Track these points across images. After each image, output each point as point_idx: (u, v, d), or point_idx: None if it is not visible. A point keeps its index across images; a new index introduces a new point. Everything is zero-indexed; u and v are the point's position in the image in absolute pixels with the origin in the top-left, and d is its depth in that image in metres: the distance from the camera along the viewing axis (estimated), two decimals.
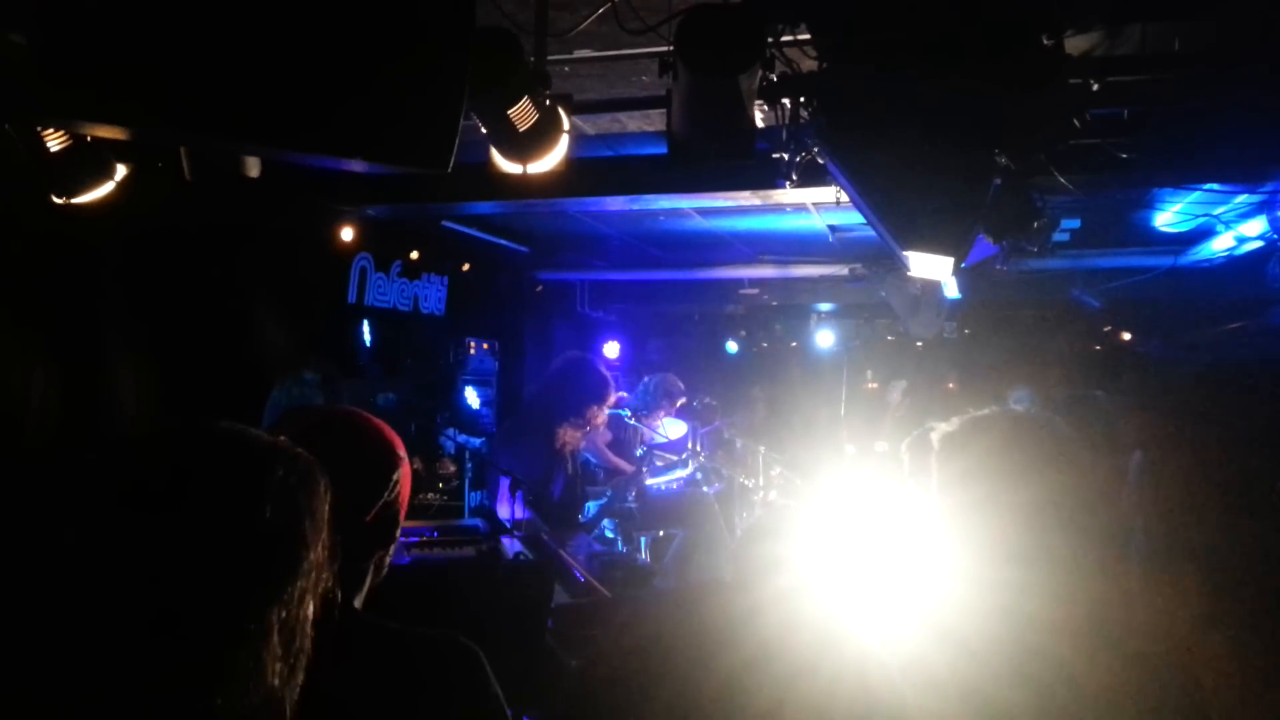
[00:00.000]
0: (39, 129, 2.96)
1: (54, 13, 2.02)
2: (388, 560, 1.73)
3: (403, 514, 1.74)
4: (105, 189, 3.18)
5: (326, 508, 1.12)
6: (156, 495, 1.01)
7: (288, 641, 1.04)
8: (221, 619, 0.99)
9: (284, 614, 1.03)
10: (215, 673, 0.98)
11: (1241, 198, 4.89)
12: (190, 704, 0.96)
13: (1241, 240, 5.45)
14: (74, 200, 3.12)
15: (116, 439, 1.07)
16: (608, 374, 5.40)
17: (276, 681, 1.02)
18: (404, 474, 1.73)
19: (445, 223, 6.34)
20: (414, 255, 6.46)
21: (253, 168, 3.05)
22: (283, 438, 1.14)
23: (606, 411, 5.57)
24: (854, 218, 5.26)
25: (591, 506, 5.74)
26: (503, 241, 7.05)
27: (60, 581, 0.99)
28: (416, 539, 4.23)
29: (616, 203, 5.05)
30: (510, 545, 4.29)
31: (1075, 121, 2.95)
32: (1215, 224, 5.47)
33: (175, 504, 1.01)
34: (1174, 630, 0.87)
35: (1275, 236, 5.10)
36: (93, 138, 3.04)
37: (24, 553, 1.01)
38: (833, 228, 6.10)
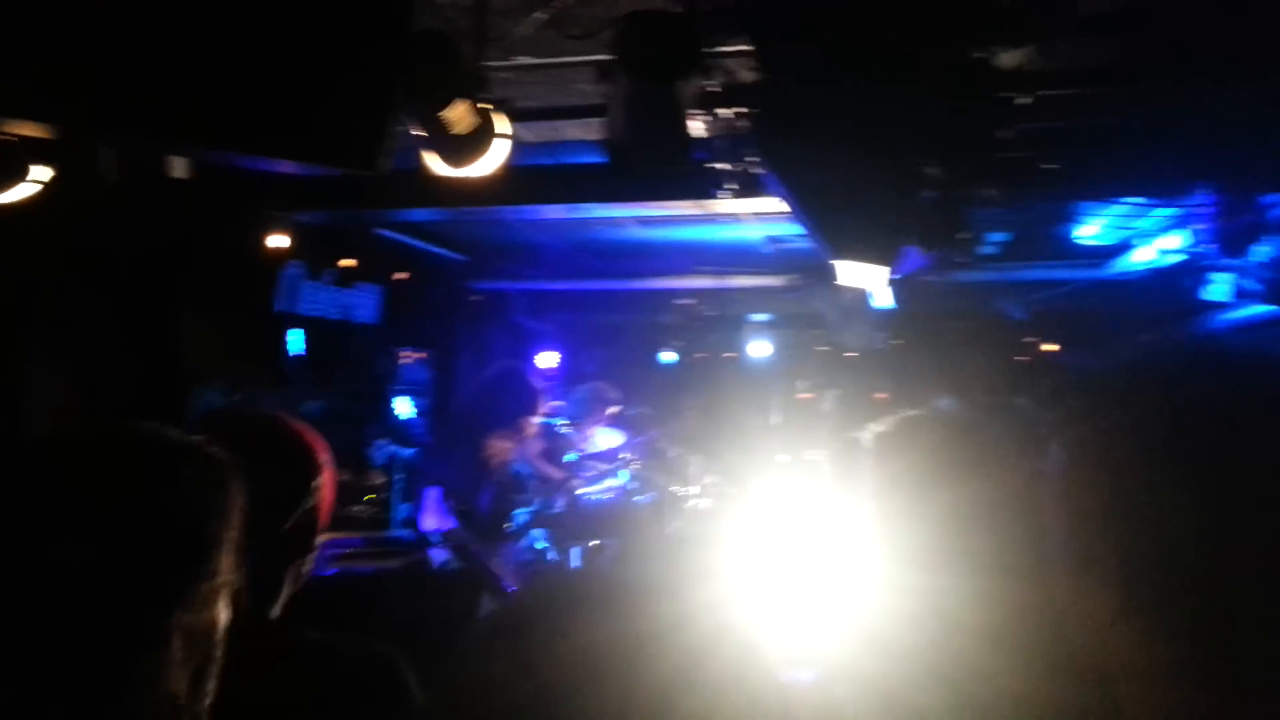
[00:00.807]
0: None
1: None
2: (306, 569, 1.69)
3: (323, 523, 1.69)
4: (24, 191, 3.06)
5: (239, 511, 1.08)
6: (55, 492, 0.97)
7: (190, 647, 0.99)
8: (118, 622, 0.95)
9: (187, 618, 0.99)
10: (112, 679, 0.93)
11: (1161, 212, 5.05)
12: (86, 712, 0.92)
13: (1162, 253, 5.63)
14: None
15: (22, 439, 1.03)
16: (538, 385, 5.38)
17: (179, 689, 0.97)
18: (325, 481, 1.69)
19: (380, 231, 6.26)
20: (346, 263, 6.36)
21: (179, 169, 2.98)
22: (199, 437, 1.10)
23: (537, 422, 5.55)
24: (790, 229, 5.33)
25: (521, 514, 5.70)
26: (439, 250, 6.98)
27: None
28: (343, 550, 4.15)
29: (555, 211, 5.04)
30: (437, 556, 4.24)
31: (1004, 134, 3.02)
32: (1136, 238, 5.66)
33: (75, 501, 0.97)
34: (1087, 628, 0.89)
35: (1195, 250, 5.27)
36: (12, 136, 2.93)
37: None
38: (769, 239, 6.16)
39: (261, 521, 1.15)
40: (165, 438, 1.07)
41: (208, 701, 1.02)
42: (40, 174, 3.08)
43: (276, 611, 1.60)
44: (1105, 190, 4.64)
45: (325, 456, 1.70)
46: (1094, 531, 0.86)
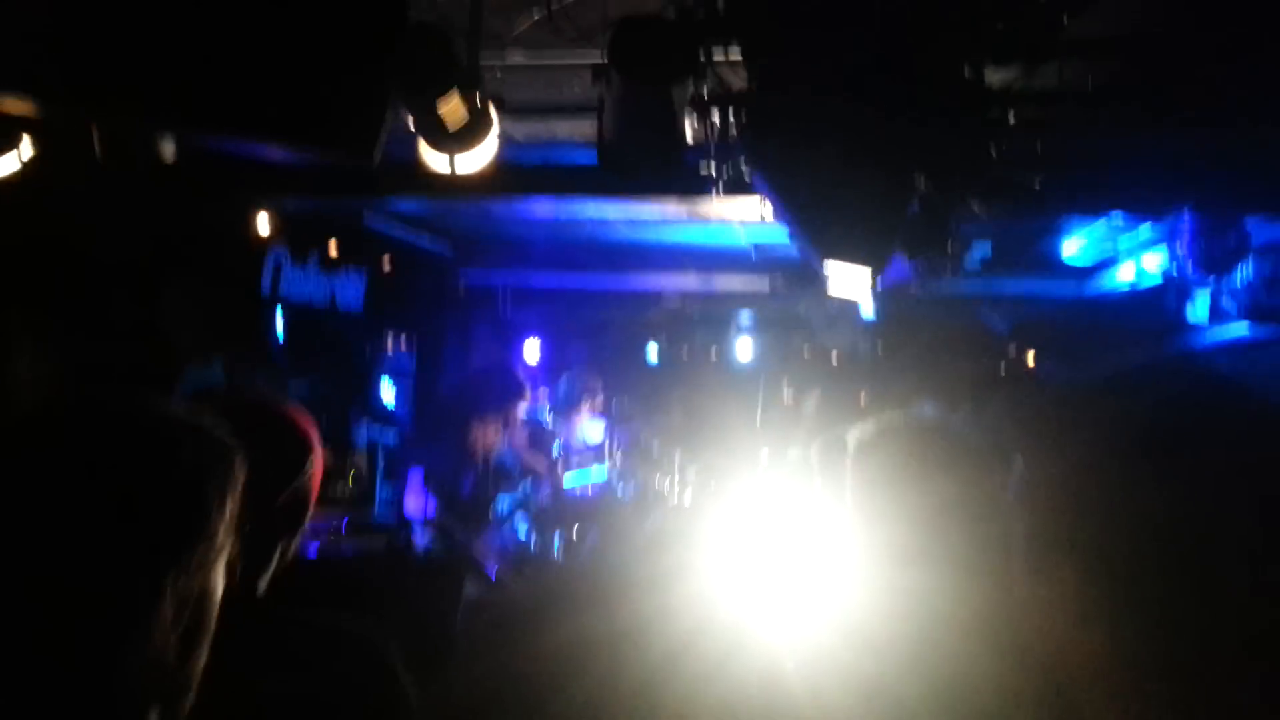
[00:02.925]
0: None
1: None
2: (294, 547, 1.71)
3: (313, 502, 1.72)
4: (11, 165, 3.06)
5: (238, 481, 1.09)
6: (54, 457, 0.99)
7: (180, 611, 1.00)
8: (112, 579, 0.96)
9: (181, 579, 0.99)
10: (102, 636, 0.94)
11: (1144, 230, 5.10)
12: (75, 668, 0.93)
13: (1142, 272, 5.68)
14: None
15: (15, 413, 1.04)
16: (524, 375, 5.40)
17: (168, 651, 0.98)
18: (316, 461, 1.72)
19: (367, 220, 6.25)
20: (333, 248, 6.34)
21: (167, 151, 2.97)
22: (200, 411, 1.12)
23: (522, 412, 5.56)
24: (777, 235, 5.35)
25: (504, 501, 5.72)
26: (426, 241, 6.97)
27: None
28: (326, 530, 4.16)
29: (544, 208, 5.05)
30: (420, 539, 4.25)
31: (991, 150, 3.05)
32: (1118, 256, 5.71)
33: (72, 464, 0.98)
34: (1053, 629, 0.91)
35: (1174, 269, 5.32)
36: (1, 111, 2.92)
37: None
38: (756, 245, 6.19)
39: (253, 499, 1.16)
40: (169, 411, 1.09)
41: (198, 666, 1.03)
42: (26, 151, 3.07)
43: (263, 588, 1.61)
44: (1089, 207, 4.68)
45: (315, 437, 1.73)
46: (1055, 532, 0.88)
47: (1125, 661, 0.82)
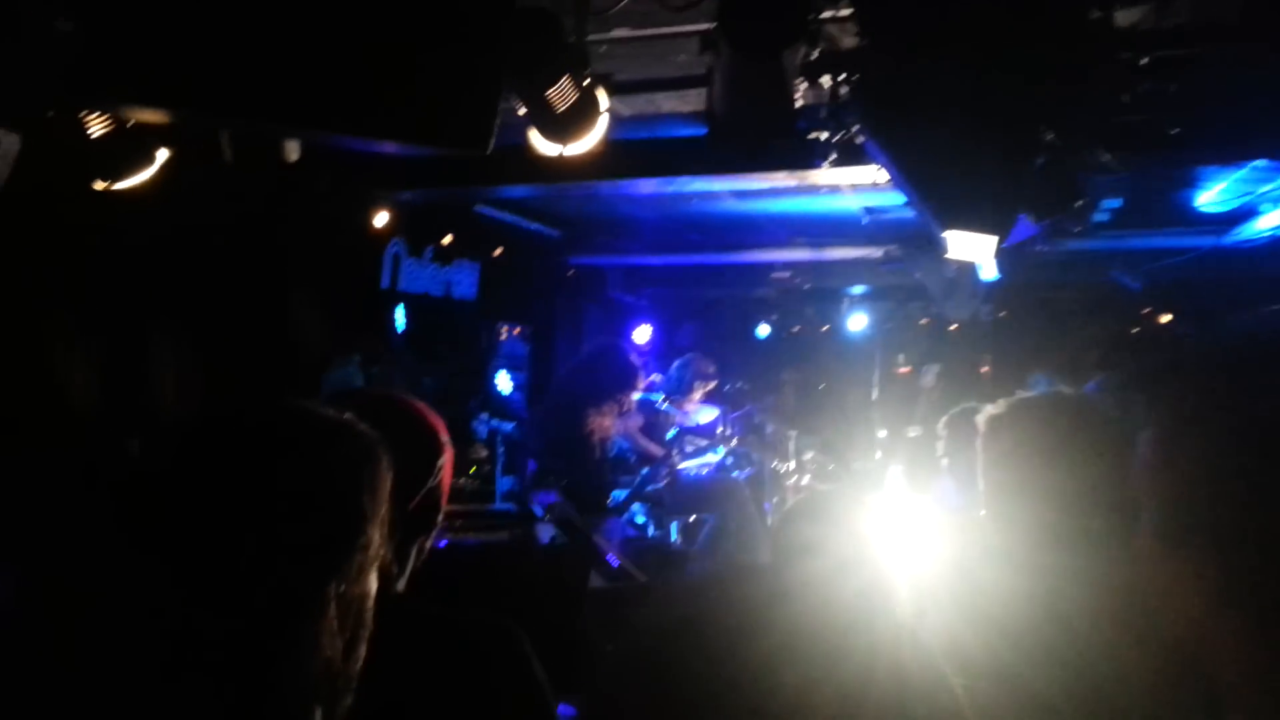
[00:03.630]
0: (81, 114, 2.98)
1: None
2: (429, 545, 1.73)
3: (445, 500, 1.74)
4: (147, 173, 3.19)
5: (388, 484, 1.12)
6: (220, 471, 1.02)
7: (345, 615, 1.04)
8: (284, 592, 1.00)
9: (342, 588, 1.03)
10: (274, 645, 0.99)
11: None
12: (251, 675, 0.97)
13: None
14: (117, 185, 3.14)
15: (183, 419, 1.09)
16: (637, 361, 5.40)
17: (335, 655, 1.03)
18: (447, 460, 1.73)
19: (478, 207, 6.34)
20: (447, 240, 6.47)
21: (292, 151, 3.06)
22: (347, 414, 1.15)
23: (636, 397, 5.58)
24: (889, 199, 5.21)
25: (622, 492, 5.75)
26: (535, 226, 7.04)
27: (118, 556, 1.00)
28: (450, 523, 4.24)
29: (650, 185, 5.03)
30: (543, 530, 4.30)
31: (1121, 96, 2.90)
32: (1260, 203, 5.37)
33: (238, 477, 1.02)
34: (1190, 610, 0.85)
35: None
36: (134, 122, 3.06)
37: (82, 532, 1.03)
38: (868, 209, 6.04)
39: (395, 501, 1.18)
40: (317, 416, 1.11)
41: (358, 666, 1.07)
42: (161, 158, 3.21)
43: (402, 586, 1.64)
44: (1228, 153, 4.41)
45: (446, 435, 1.74)
46: (1191, 509, 0.83)
47: (1264, 642, 0.77)
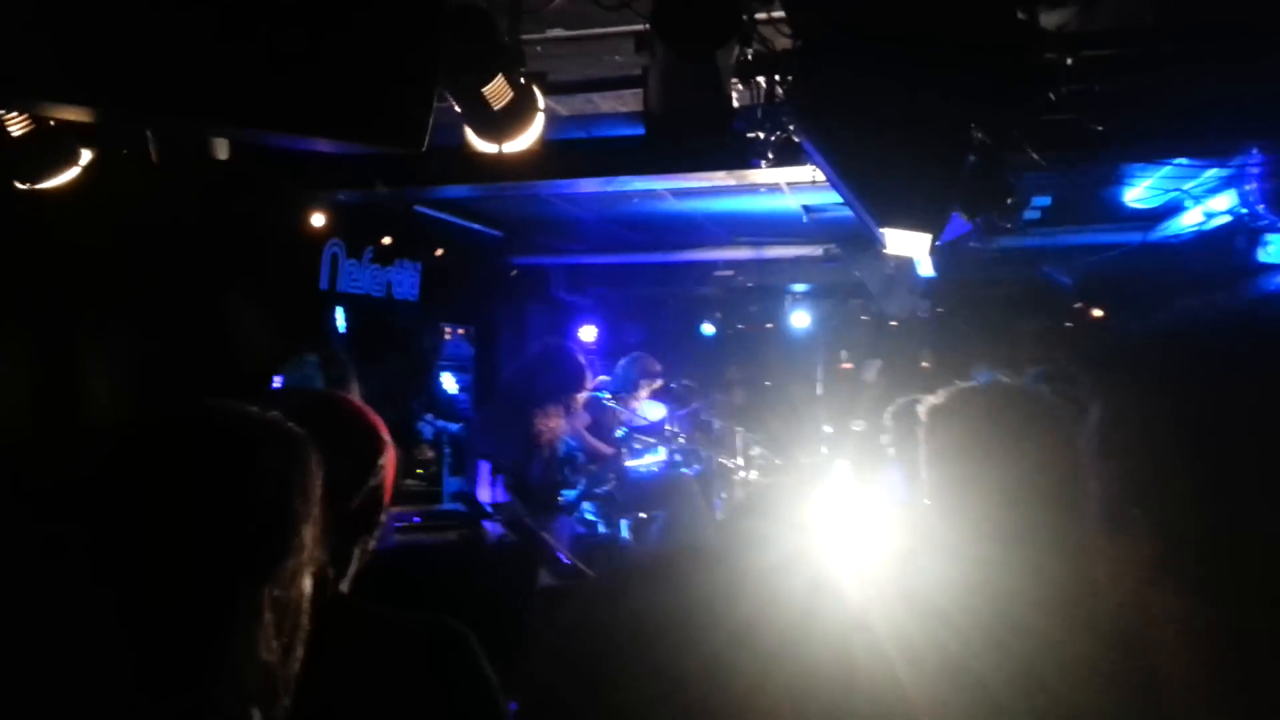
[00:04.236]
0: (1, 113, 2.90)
1: None
2: (372, 546, 1.72)
3: (387, 500, 1.72)
4: (70, 174, 3.12)
5: (318, 484, 1.11)
6: (147, 477, 1.01)
7: (281, 618, 1.04)
8: (218, 598, 0.99)
9: (276, 592, 1.02)
10: (214, 651, 0.98)
11: (1211, 172, 4.93)
12: (187, 683, 0.96)
13: (1210, 215, 5.50)
14: (38, 186, 3.06)
15: (112, 424, 1.07)
16: (584, 360, 5.39)
17: (272, 659, 1.02)
18: (389, 460, 1.71)
19: (417, 208, 6.29)
20: (386, 241, 6.40)
21: (221, 150, 3.00)
22: (273, 414, 1.13)
23: (584, 396, 5.56)
24: (828, 197, 5.27)
25: (572, 491, 5.73)
26: (476, 226, 7.00)
27: (52, 567, 0.98)
28: (399, 524, 4.20)
29: (591, 185, 5.02)
30: (492, 529, 4.28)
31: (1049, 96, 2.96)
32: (1185, 199, 5.53)
33: (166, 483, 1.00)
34: (1123, 583, 0.87)
35: (1244, 211, 5.15)
36: (56, 121, 2.98)
37: (13, 543, 1.01)
38: (806, 208, 6.11)
39: (331, 501, 1.17)
40: (242, 417, 1.10)
41: (295, 668, 1.07)
42: (84, 158, 3.13)
43: (345, 586, 1.63)
44: (1153, 151, 4.53)
45: (386, 435, 1.72)
46: (1132, 485, 0.85)
47: (1200, 608, 0.78)
